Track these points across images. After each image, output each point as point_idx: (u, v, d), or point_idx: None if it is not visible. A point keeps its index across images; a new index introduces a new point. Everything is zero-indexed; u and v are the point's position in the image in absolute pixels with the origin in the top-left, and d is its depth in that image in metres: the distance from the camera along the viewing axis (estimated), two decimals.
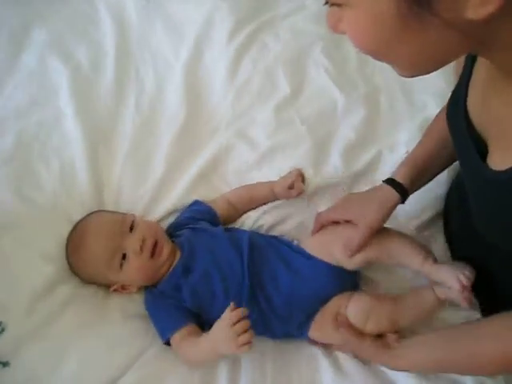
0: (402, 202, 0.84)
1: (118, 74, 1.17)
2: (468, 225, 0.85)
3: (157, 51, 1.21)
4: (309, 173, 1.00)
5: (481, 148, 0.59)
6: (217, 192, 1.01)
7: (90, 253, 0.86)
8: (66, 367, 0.80)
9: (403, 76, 0.50)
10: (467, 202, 0.84)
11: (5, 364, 0.79)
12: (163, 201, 1.00)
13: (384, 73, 1.19)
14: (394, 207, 0.84)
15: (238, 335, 0.71)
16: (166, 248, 0.87)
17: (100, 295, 0.90)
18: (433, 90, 1.14)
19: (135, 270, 0.86)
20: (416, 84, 1.17)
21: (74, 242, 0.89)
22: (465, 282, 0.77)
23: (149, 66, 1.19)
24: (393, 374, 0.79)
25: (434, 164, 0.86)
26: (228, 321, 0.72)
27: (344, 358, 0.82)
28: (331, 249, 0.86)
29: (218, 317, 0.75)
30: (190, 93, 1.14)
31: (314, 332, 0.84)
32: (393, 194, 0.83)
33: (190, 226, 0.93)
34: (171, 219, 0.99)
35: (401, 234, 0.88)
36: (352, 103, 1.12)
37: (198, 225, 0.93)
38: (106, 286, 0.90)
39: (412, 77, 0.50)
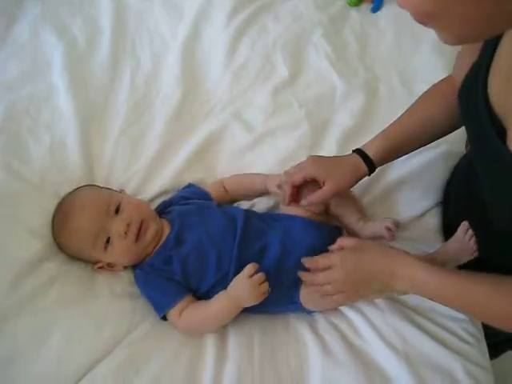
0: (369, 175, 0.86)
1: (113, 51, 1.15)
2: (470, 214, 0.85)
3: (154, 29, 1.19)
4: (302, 157, 0.98)
5: (499, 131, 0.58)
6: (210, 172, 1.00)
7: (74, 231, 0.84)
8: (50, 344, 0.78)
9: (447, 43, 0.48)
10: (471, 191, 0.83)
11: None
12: (155, 180, 0.98)
13: (384, 62, 1.19)
14: (360, 178, 0.85)
15: (257, 286, 0.78)
16: (151, 229, 0.85)
17: (88, 272, 0.88)
18: (432, 80, 1.12)
19: (119, 252, 0.84)
20: (416, 74, 1.16)
21: (60, 219, 0.87)
22: (390, 226, 0.86)
23: (145, 44, 1.17)
24: (384, 361, 0.78)
25: (407, 143, 0.87)
26: (247, 274, 0.79)
27: (334, 345, 0.81)
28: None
29: (209, 287, 0.80)
30: (186, 72, 1.12)
31: (304, 297, 0.83)
32: (361, 165, 0.84)
33: (181, 203, 0.92)
34: (162, 199, 0.97)
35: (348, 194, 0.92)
36: (351, 89, 1.11)
37: (190, 202, 0.92)
38: (93, 263, 0.88)
39: (454, 44, 0.48)
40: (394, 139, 0.85)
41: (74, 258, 0.88)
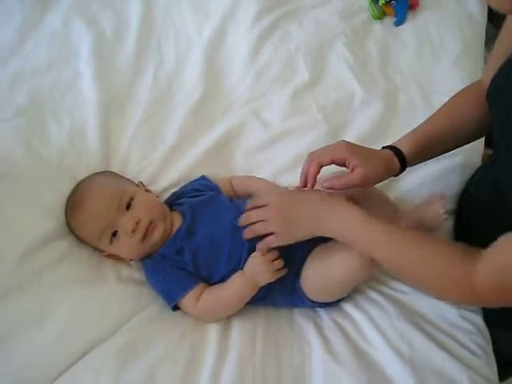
0: (396, 175, 0.81)
1: (139, 45, 1.16)
2: (482, 224, 0.83)
3: (180, 27, 1.20)
4: None
5: None
6: (224, 168, 1.00)
7: (83, 220, 0.84)
8: (52, 321, 0.77)
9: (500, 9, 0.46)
10: (484, 201, 0.82)
11: None
12: (169, 171, 0.98)
13: (404, 73, 1.19)
14: (390, 175, 0.80)
15: (272, 262, 0.79)
16: (158, 230, 0.84)
17: (97, 255, 0.88)
18: (452, 93, 1.11)
19: (124, 249, 0.84)
20: (435, 86, 1.16)
21: (72, 204, 0.87)
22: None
23: (171, 41, 1.19)
24: (387, 365, 0.76)
25: (438, 144, 0.84)
26: (261, 253, 0.79)
27: (338, 345, 0.78)
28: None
29: (222, 278, 0.79)
30: (208, 70, 1.13)
31: (304, 282, 0.81)
32: (395, 161, 0.79)
33: (193, 195, 0.91)
34: (175, 190, 0.96)
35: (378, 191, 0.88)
36: (370, 97, 1.11)
37: (201, 194, 0.91)
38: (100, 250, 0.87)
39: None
40: (425, 139, 0.82)
41: (84, 243, 0.88)
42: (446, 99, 1.10)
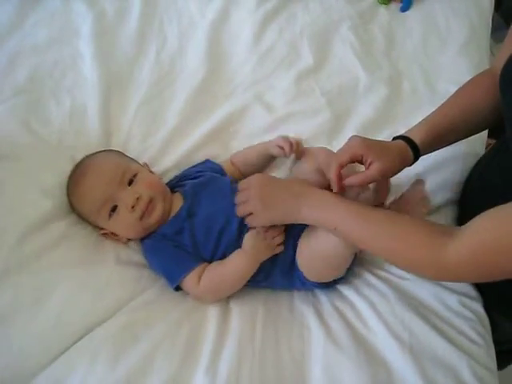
0: (410, 165, 0.80)
1: (141, 26, 1.13)
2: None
3: (183, 8, 1.18)
4: (321, 143, 0.96)
5: None
6: (226, 151, 0.98)
7: (84, 193, 0.83)
8: (50, 302, 0.76)
9: None
10: (488, 191, 0.80)
11: None
12: (170, 153, 0.96)
13: (409, 60, 1.16)
14: (405, 166, 0.78)
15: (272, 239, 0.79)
16: (157, 210, 0.82)
17: (96, 237, 0.86)
18: (455, 80, 1.09)
19: (122, 225, 0.82)
20: (440, 73, 1.13)
21: (74, 178, 0.85)
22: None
23: (173, 22, 1.16)
24: (387, 351, 0.74)
25: (450, 133, 0.82)
26: (261, 230, 0.79)
27: (338, 330, 0.77)
28: None
29: (219, 258, 0.79)
30: (211, 52, 1.11)
31: (299, 259, 0.81)
32: (408, 152, 0.77)
33: (195, 176, 0.90)
34: (175, 173, 0.95)
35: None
36: (374, 83, 1.08)
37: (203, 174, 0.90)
38: (99, 228, 0.86)
39: None
40: (437, 128, 0.80)
41: (83, 220, 0.86)
42: (450, 87, 1.08)
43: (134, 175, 0.83)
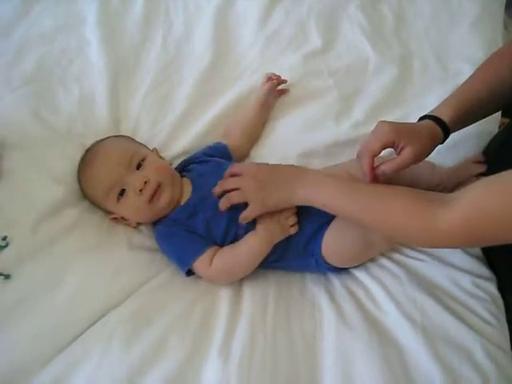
0: (441, 143, 0.77)
1: (146, 12, 1.13)
2: None
3: None
4: (329, 124, 0.95)
5: None
6: None
7: (93, 176, 0.83)
8: (64, 288, 0.76)
9: None
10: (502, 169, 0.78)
11: (7, 276, 0.75)
12: (179, 139, 0.95)
13: (420, 38, 1.13)
14: (436, 146, 0.76)
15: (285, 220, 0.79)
16: (165, 195, 0.81)
17: (108, 222, 0.86)
18: (467, 58, 1.06)
19: (130, 208, 0.82)
20: (451, 52, 1.10)
21: (83, 163, 0.85)
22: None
23: (179, 7, 1.15)
24: (399, 333, 0.74)
25: (478, 108, 0.79)
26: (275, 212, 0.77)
27: (350, 312, 0.77)
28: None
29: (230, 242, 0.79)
30: (218, 37, 1.09)
31: (326, 247, 0.80)
32: (438, 132, 0.75)
33: (201, 160, 0.89)
34: (184, 158, 0.94)
35: None
36: (384, 62, 1.06)
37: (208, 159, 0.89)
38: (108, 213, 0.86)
39: None
40: (464, 104, 0.77)
41: (95, 205, 0.86)
42: (463, 65, 1.06)
43: (143, 159, 0.83)
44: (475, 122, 0.82)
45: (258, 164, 0.82)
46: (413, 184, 0.86)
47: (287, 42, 1.08)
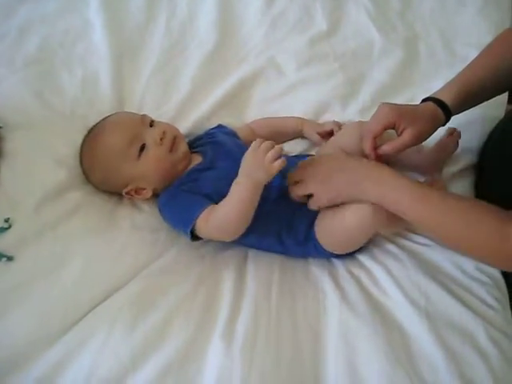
0: (443, 125, 0.77)
1: None
2: (505, 179, 0.78)
3: None
4: (335, 108, 0.92)
5: None
6: (239, 117, 0.95)
7: (105, 144, 0.80)
8: (68, 270, 0.75)
9: None
10: (506, 156, 0.76)
11: (9, 258, 0.74)
12: (184, 120, 0.93)
13: (426, 21, 1.10)
14: (437, 128, 0.75)
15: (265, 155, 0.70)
16: (183, 145, 0.82)
17: (111, 204, 0.85)
18: (475, 42, 1.03)
19: (153, 161, 0.79)
20: (458, 36, 1.07)
21: (90, 139, 0.83)
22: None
23: None
24: (403, 317, 0.72)
25: (482, 91, 0.78)
26: (254, 148, 0.71)
27: (354, 295, 0.75)
28: None
29: None
30: (222, 19, 1.06)
31: (318, 232, 0.78)
32: (439, 114, 0.74)
33: (212, 139, 0.87)
34: (189, 139, 0.92)
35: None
36: (390, 46, 1.03)
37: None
38: (119, 192, 0.83)
39: None
40: (466, 87, 0.76)
41: (100, 187, 0.85)
42: (469, 49, 1.02)
43: (153, 121, 0.84)
44: (478, 104, 0.81)
45: (322, 156, 0.78)
46: (401, 165, 0.85)
47: (292, 24, 1.05)
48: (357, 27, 1.06)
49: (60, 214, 0.80)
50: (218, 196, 0.76)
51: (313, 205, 0.76)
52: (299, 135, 0.94)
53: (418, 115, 0.73)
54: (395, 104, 0.74)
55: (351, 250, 0.81)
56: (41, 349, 0.67)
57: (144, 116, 0.84)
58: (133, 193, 0.82)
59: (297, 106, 0.94)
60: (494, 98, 0.85)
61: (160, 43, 1.02)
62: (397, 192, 0.69)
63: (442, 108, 0.74)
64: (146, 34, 1.03)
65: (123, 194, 0.82)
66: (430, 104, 0.75)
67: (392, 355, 0.68)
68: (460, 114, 0.91)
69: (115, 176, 0.81)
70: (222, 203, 0.74)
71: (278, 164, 0.68)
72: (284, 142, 0.93)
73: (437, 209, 0.67)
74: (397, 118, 0.72)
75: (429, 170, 0.86)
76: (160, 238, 0.81)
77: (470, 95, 0.76)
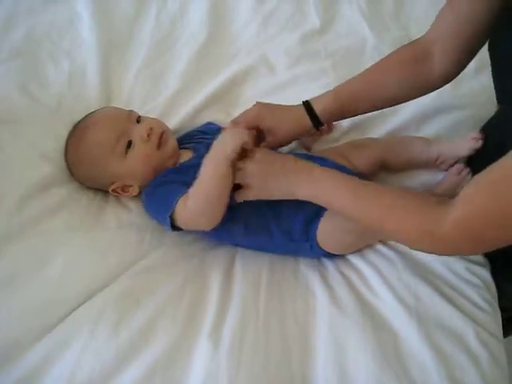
0: (317, 129, 0.80)
1: None
2: None
3: None
4: None
5: None
6: (228, 114, 0.91)
7: (92, 140, 0.78)
8: (51, 267, 0.72)
9: None
10: (495, 154, 0.75)
11: None
12: (173, 116, 0.91)
13: (419, 22, 1.09)
14: (302, 132, 0.80)
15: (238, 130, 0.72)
16: (171, 140, 0.80)
17: (97, 202, 0.82)
18: None
19: (140, 158, 0.77)
20: None
21: (76, 135, 0.80)
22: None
23: None
24: (393, 317, 0.71)
25: (356, 105, 0.79)
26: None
27: (344, 296, 0.74)
28: None
29: None
30: (213, 13, 1.04)
31: (322, 234, 0.77)
32: (305, 118, 0.78)
33: (202, 138, 0.85)
34: (177, 136, 0.89)
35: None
36: (381, 45, 1.02)
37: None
38: (105, 189, 0.81)
39: None
40: (342, 98, 0.78)
41: (85, 183, 0.82)
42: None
43: (139, 117, 0.82)
44: (355, 115, 0.83)
45: (268, 152, 0.76)
46: (411, 162, 0.84)
47: (285, 21, 1.04)
48: (350, 25, 1.05)
49: (44, 209, 0.77)
50: None
51: (249, 195, 0.73)
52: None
53: (284, 118, 0.78)
54: (267, 104, 0.79)
55: (351, 251, 0.80)
56: (22, 349, 0.65)
57: (131, 112, 0.82)
58: (119, 190, 0.80)
59: (287, 103, 0.92)
60: (485, 98, 0.84)
61: (149, 37, 1.00)
62: (323, 186, 0.69)
63: (310, 113, 0.77)
64: (135, 27, 1.01)
65: (109, 191, 0.80)
66: (300, 108, 0.79)
67: (381, 356, 0.67)
68: (450, 114, 0.92)
69: (101, 173, 0.79)
70: (194, 184, 0.72)
71: (242, 133, 0.70)
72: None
73: (355, 197, 0.66)
74: (263, 116, 0.77)
75: (442, 160, 0.85)
76: (146, 237, 0.79)
77: (343, 106, 0.78)
